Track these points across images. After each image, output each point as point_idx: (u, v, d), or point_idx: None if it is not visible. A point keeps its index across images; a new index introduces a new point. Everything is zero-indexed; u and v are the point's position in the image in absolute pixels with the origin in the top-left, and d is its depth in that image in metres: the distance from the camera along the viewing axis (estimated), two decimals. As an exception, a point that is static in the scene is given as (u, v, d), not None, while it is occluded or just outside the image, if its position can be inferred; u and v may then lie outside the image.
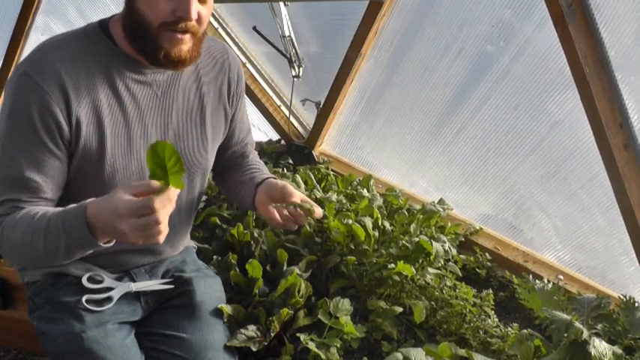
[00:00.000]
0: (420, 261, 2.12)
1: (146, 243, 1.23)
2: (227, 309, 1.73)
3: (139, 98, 1.45)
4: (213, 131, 1.60)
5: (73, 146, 1.38)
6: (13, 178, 1.35)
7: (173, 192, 1.21)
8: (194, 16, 1.33)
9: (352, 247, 2.24)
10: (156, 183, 1.19)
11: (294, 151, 3.33)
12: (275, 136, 3.49)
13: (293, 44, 2.96)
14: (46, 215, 1.30)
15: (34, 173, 1.35)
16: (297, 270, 2.02)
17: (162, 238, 1.23)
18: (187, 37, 1.37)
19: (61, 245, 1.28)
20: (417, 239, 2.11)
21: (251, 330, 1.79)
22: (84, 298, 1.49)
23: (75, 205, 1.27)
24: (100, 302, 1.52)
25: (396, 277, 2.07)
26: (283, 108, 3.38)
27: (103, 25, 1.44)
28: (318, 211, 1.52)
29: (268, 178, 1.66)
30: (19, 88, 1.34)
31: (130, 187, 1.21)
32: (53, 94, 1.33)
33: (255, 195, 1.62)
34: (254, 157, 1.86)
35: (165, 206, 1.19)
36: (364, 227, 2.18)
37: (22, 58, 3.26)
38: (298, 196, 1.53)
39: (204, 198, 1.80)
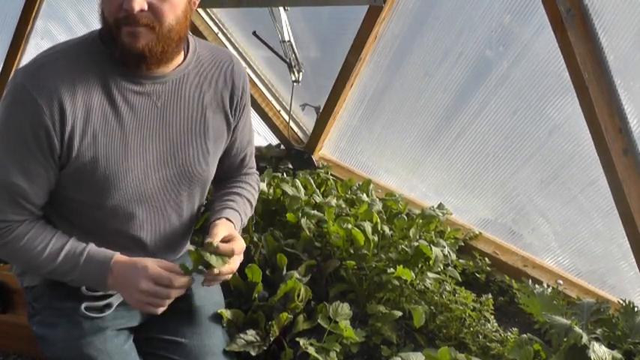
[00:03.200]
0: (420, 265, 2.12)
1: (144, 309, 1.45)
2: (226, 313, 1.73)
3: (137, 109, 1.44)
4: (215, 142, 1.59)
5: (65, 158, 1.39)
6: (3, 182, 1.39)
7: (190, 281, 1.45)
8: (136, 7, 1.29)
9: (352, 251, 2.24)
10: (179, 269, 1.43)
11: (293, 156, 3.33)
12: (275, 141, 3.50)
13: (293, 49, 2.96)
14: (60, 245, 1.45)
15: (20, 179, 1.38)
16: (296, 274, 2.01)
17: (159, 311, 1.45)
18: (142, 30, 1.34)
19: (68, 277, 1.46)
20: (416, 244, 2.11)
21: (250, 334, 1.78)
22: (83, 306, 1.49)
23: (98, 251, 1.46)
24: (99, 309, 1.51)
25: (396, 282, 2.07)
26: (283, 113, 3.38)
27: (103, 34, 1.44)
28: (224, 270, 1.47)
29: (220, 218, 1.58)
30: (14, 99, 1.35)
31: (159, 261, 1.45)
32: (47, 107, 1.33)
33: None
34: (248, 169, 1.83)
35: (181, 288, 1.44)
36: (364, 232, 2.17)
37: (22, 62, 3.28)
38: (215, 235, 1.47)
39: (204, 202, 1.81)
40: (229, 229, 1.51)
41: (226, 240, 1.47)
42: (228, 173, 1.75)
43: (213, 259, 1.41)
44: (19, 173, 1.38)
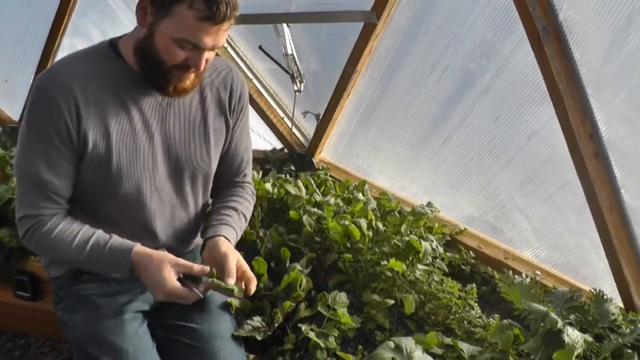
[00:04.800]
0: (410, 258, 2.13)
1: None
2: (234, 302, 1.73)
3: (144, 108, 1.45)
4: (215, 139, 1.59)
5: (81, 150, 1.41)
6: (34, 179, 1.41)
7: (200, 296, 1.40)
8: (203, 67, 1.37)
9: (349, 245, 2.24)
10: (197, 268, 1.40)
11: (296, 159, 3.33)
12: (279, 145, 3.50)
13: (295, 62, 2.97)
14: (86, 237, 1.43)
15: (49, 174, 1.40)
16: (298, 266, 2.02)
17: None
18: (192, 75, 1.41)
19: (96, 267, 1.48)
20: (407, 238, 2.12)
21: (256, 321, 1.79)
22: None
23: (120, 243, 1.43)
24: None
25: (389, 273, 2.07)
26: (286, 120, 3.38)
27: (113, 43, 1.46)
28: (250, 288, 1.47)
29: (218, 236, 1.53)
30: (36, 100, 1.37)
31: (179, 264, 1.40)
32: (65, 105, 1.35)
33: (205, 244, 1.55)
34: (244, 177, 1.76)
35: (192, 301, 1.40)
36: (359, 228, 2.18)
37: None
38: (232, 272, 1.44)
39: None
40: (235, 256, 1.48)
41: (237, 267, 1.46)
42: (226, 178, 1.72)
43: (234, 290, 1.42)
44: (48, 168, 1.39)
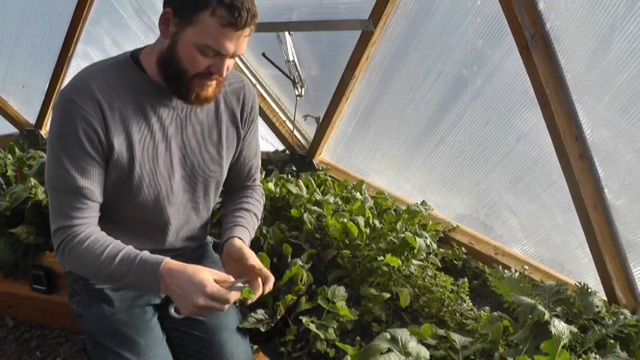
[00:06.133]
0: (406, 254, 2.13)
1: (195, 316, 1.39)
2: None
3: (164, 119, 1.44)
4: (227, 148, 1.59)
5: (107, 158, 1.39)
6: (70, 188, 1.36)
7: (238, 296, 1.30)
8: (225, 74, 1.35)
9: (347, 242, 2.24)
10: (232, 279, 1.31)
11: (297, 160, 3.33)
12: (281, 147, 3.50)
13: (296, 68, 2.97)
14: (116, 250, 1.34)
15: (84, 181, 1.36)
16: (299, 262, 2.02)
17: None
18: (213, 83, 1.39)
19: (124, 281, 1.32)
20: (402, 235, 2.12)
21: (260, 313, 1.79)
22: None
23: (150, 256, 1.33)
24: None
25: (385, 268, 2.07)
26: (288, 123, 3.38)
27: (134, 55, 1.44)
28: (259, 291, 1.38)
29: (232, 237, 1.51)
30: (65, 112, 1.34)
31: (215, 272, 1.29)
32: (93, 112, 1.34)
33: (222, 248, 1.53)
34: (253, 181, 1.76)
35: (232, 301, 1.28)
36: (357, 225, 2.18)
37: (65, 80, 3.26)
38: (250, 267, 1.40)
39: (219, 200, 1.79)
40: (251, 253, 1.45)
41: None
42: (237, 182, 1.72)
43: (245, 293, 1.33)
44: (83, 176, 1.36)
